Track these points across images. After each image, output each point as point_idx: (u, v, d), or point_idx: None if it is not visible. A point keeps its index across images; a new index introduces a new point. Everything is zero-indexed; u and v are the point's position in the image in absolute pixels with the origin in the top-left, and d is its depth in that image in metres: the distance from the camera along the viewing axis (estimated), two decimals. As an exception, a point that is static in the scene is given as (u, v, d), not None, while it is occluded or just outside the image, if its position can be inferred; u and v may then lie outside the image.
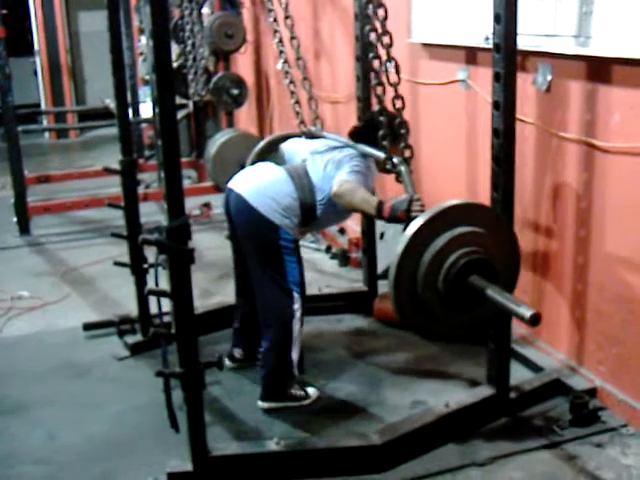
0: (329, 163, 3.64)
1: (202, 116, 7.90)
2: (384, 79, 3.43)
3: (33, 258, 6.20)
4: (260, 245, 3.57)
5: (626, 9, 3.10)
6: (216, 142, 6.29)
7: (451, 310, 3.18)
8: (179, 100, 7.14)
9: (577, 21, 3.38)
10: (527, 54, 3.65)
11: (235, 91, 6.78)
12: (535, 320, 2.80)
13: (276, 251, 3.55)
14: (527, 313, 2.81)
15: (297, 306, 3.58)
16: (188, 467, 2.97)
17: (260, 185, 3.56)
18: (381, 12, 3.45)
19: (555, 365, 3.79)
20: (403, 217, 3.28)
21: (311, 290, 4.16)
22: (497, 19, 3.05)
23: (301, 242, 5.94)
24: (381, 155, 3.55)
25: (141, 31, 8.50)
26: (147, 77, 8.41)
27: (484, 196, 3.77)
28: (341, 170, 3.56)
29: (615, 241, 3.38)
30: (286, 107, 7.05)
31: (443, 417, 3.32)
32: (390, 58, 3.46)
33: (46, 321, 4.86)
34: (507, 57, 3.08)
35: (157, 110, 2.64)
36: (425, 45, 4.65)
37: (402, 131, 3.51)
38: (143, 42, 8.54)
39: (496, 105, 3.15)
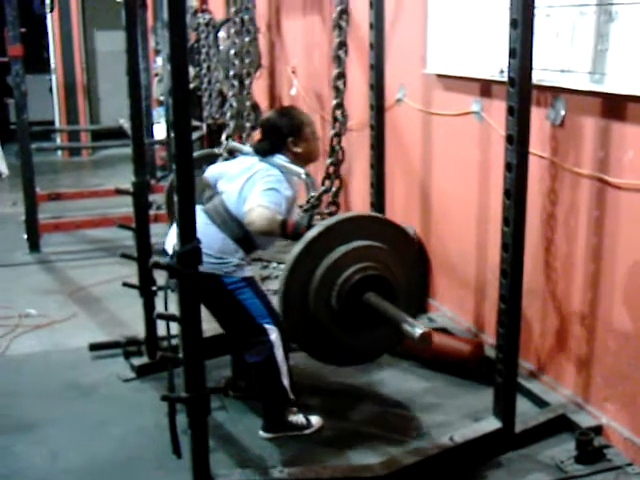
0: (245, 185, 3.51)
1: (215, 139, 7.93)
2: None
3: (42, 276, 6.20)
4: (210, 300, 3.47)
5: (641, 48, 3.12)
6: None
7: (344, 329, 3.18)
8: (193, 122, 7.17)
9: (592, 58, 3.39)
10: (541, 89, 3.66)
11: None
12: (424, 339, 2.83)
13: (228, 298, 3.48)
14: (417, 332, 2.84)
15: (274, 336, 3.48)
16: (190, 493, 2.95)
17: None
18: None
19: (561, 401, 3.77)
20: (304, 233, 3.22)
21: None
22: (512, 54, 3.06)
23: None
24: (294, 168, 3.54)
25: (157, 52, 8.56)
26: (162, 98, 8.46)
27: (494, 228, 3.77)
28: (252, 192, 3.43)
29: (625, 278, 3.36)
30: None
31: (448, 450, 3.30)
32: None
33: (53, 340, 4.86)
34: (521, 92, 3.08)
35: (173, 133, 2.66)
36: (440, 76, 4.67)
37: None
38: (159, 63, 8.60)
39: (509, 139, 3.15)
